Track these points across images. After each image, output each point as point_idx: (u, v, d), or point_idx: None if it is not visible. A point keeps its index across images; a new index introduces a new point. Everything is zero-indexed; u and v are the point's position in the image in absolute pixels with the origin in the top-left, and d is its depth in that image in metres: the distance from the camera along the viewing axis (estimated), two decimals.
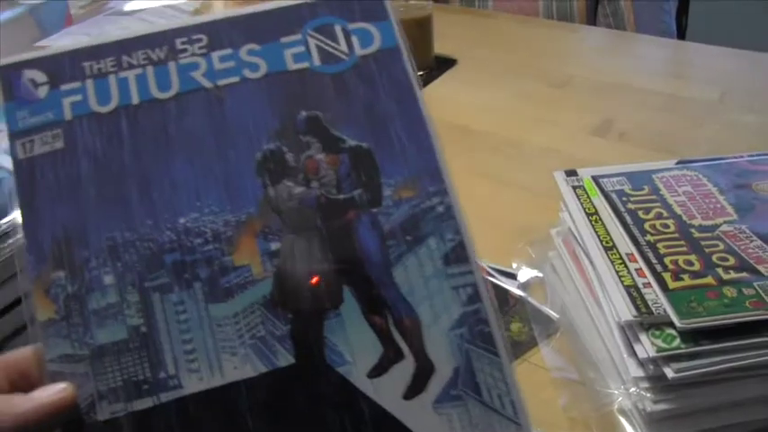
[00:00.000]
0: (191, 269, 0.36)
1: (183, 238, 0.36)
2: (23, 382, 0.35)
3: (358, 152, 0.38)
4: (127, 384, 0.35)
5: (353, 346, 0.35)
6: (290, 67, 0.39)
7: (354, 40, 0.40)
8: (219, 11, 0.79)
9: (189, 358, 0.35)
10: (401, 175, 0.38)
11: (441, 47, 1.15)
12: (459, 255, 0.36)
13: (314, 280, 0.36)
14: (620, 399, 0.54)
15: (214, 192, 0.37)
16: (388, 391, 0.35)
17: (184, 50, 0.39)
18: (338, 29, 0.40)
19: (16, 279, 0.53)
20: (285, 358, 0.35)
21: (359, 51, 0.40)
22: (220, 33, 0.40)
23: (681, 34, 1.49)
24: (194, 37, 0.40)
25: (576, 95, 1.03)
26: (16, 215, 0.37)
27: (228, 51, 0.39)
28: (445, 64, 1.15)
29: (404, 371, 0.35)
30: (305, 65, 0.39)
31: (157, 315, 0.35)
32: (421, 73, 0.39)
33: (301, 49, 0.40)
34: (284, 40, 0.40)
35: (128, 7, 1.02)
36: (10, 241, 0.54)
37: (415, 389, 0.35)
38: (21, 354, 0.36)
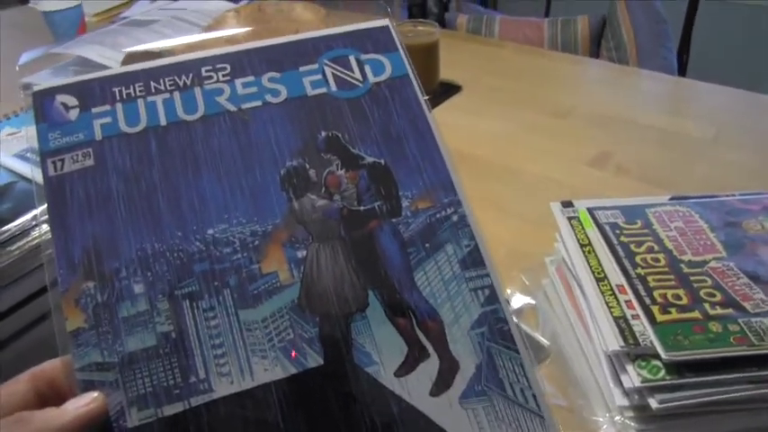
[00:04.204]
0: (220, 277, 0.37)
1: (211, 248, 0.38)
2: (52, 393, 0.35)
3: (376, 168, 0.40)
4: (157, 390, 0.35)
5: (380, 346, 0.37)
6: (308, 93, 0.42)
7: (367, 69, 0.43)
8: (233, 28, 0.80)
9: (219, 362, 0.36)
10: (417, 188, 0.40)
11: (446, 73, 1.16)
12: (475, 259, 0.39)
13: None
14: (606, 426, 0.55)
15: (241, 205, 0.39)
16: (415, 389, 0.36)
17: (209, 77, 0.42)
18: (352, 59, 0.43)
19: (27, 278, 0.54)
20: (314, 359, 0.36)
21: (372, 79, 0.43)
22: (243, 62, 0.43)
23: (682, 70, 1.53)
24: (218, 66, 0.42)
25: (576, 127, 1.05)
26: (28, 221, 0.37)
27: (251, 78, 0.42)
28: (450, 90, 1.16)
29: (429, 369, 0.36)
30: (323, 90, 0.42)
31: (188, 321, 0.36)
32: (426, 97, 0.42)
33: (318, 76, 0.43)
34: (302, 68, 0.43)
35: (142, 17, 1.01)
36: (19, 243, 0.54)
37: (441, 385, 0.36)
38: (49, 364, 0.36)
